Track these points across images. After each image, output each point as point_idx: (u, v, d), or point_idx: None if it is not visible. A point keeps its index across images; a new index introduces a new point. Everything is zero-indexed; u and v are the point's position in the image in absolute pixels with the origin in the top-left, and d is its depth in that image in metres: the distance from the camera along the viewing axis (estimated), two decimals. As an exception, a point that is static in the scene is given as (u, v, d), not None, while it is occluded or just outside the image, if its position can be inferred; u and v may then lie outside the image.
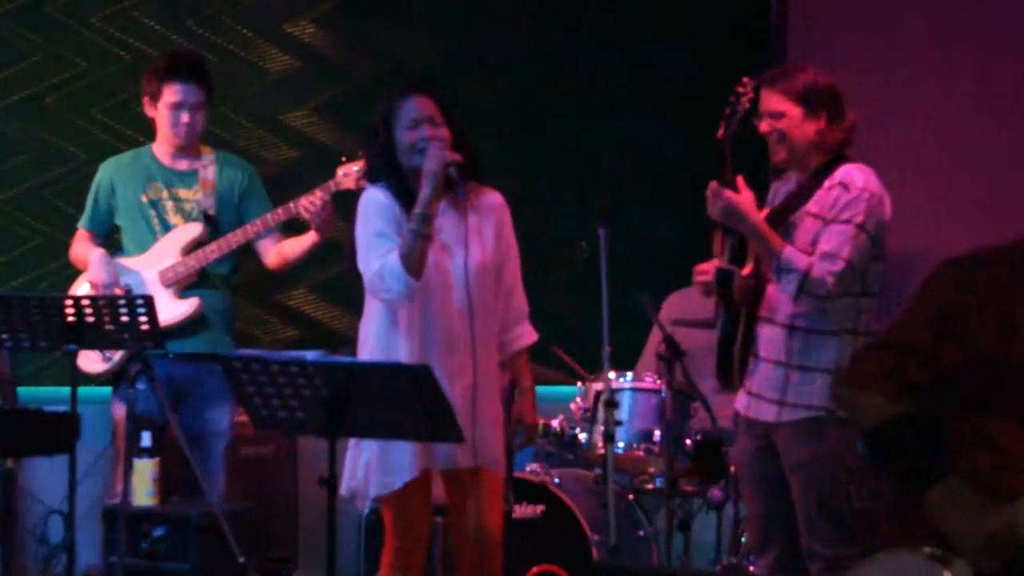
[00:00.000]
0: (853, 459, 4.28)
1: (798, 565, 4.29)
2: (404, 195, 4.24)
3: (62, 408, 4.87)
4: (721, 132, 4.24)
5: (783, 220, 4.25)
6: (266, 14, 6.55)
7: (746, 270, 4.29)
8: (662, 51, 6.96)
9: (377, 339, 4.29)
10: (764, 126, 4.28)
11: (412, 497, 4.26)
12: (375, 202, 4.29)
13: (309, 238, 5.37)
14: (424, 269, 4.16)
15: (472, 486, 4.30)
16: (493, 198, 4.40)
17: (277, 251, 5.43)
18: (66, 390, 4.85)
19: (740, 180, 4.25)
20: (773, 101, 4.26)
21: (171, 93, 5.31)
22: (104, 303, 4.82)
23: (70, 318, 4.77)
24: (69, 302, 4.81)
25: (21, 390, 5.74)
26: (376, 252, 4.21)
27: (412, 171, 4.22)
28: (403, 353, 4.21)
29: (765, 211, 4.31)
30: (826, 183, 4.23)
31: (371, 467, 4.23)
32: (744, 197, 4.22)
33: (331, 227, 5.31)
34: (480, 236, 4.32)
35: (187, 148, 5.41)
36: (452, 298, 4.23)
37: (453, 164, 4.15)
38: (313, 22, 6.62)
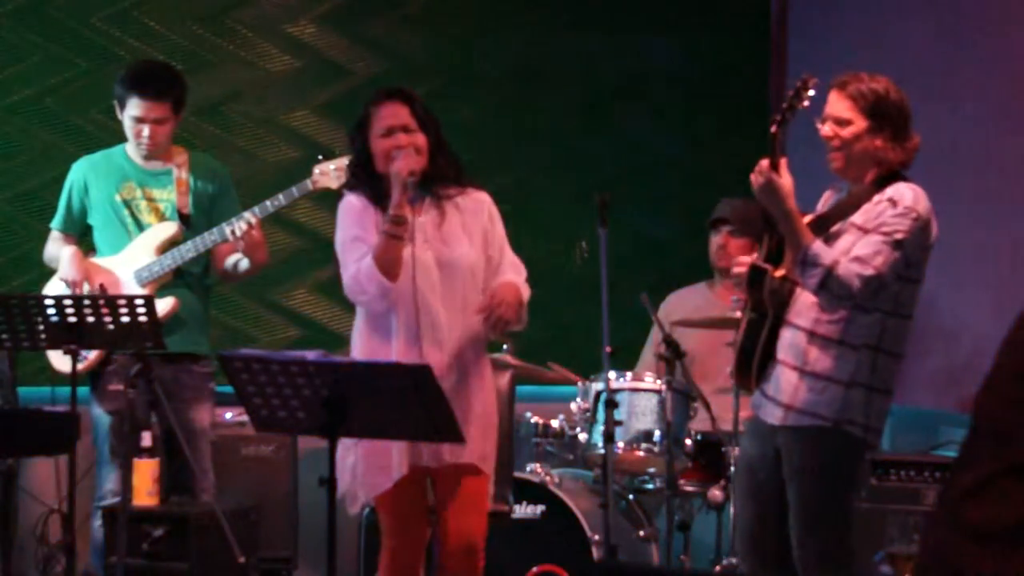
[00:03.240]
0: (853, 472, 4.26)
1: (785, 573, 4.27)
2: (381, 201, 4.27)
3: (62, 408, 4.87)
4: (774, 128, 4.14)
5: (826, 227, 4.18)
6: (266, 14, 6.55)
7: (780, 272, 4.24)
8: (662, 51, 6.96)
9: (364, 339, 4.31)
10: (826, 130, 4.19)
11: (405, 497, 4.25)
12: (351, 208, 4.34)
13: (244, 262, 5.35)
14: (399, 270, 4.18)
15: (456, 485, 4.30)
16: (479, 197, 4.41)
17: (232, 261, 5.39)
18: (66, 390, 4.85)
19: (783, 164, 4.16)
20: (840, 107, 4.17)
21: (133, 107, 5.29)
22: (104, 303, 4.81)
23: (70, 318, 4.77)
24: (69, 302, 4.80)
25: (21, 390, 5.74)
26: (351, 256, 4.25)
27: (387, 177, 4.24)
28: (392, 346, 4.22)
29: (810, 217, 4.25)
30: (876, 197, 4.15)
31: (358, 470, 4.23)
32: (787, 181, 4.14)
33: (261, 254, 5.30)
34: (465, 235, 4.33)
35: (159, 152, 5.39)
36: (436, 296, 4.23)
37: (412, 174, 4.17)
38: (313, 22, 6.62)
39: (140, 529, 5.03)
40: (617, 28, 6.91)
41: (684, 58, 6.97)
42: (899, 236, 4.08)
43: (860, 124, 4.15)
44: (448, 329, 4.25)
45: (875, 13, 6.37)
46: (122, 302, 4.82)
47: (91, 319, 4.78)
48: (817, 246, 4.08)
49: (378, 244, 4.19)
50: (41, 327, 4.81)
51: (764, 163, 4.13)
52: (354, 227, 4.30)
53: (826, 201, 4.37)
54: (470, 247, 4.32)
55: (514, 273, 4.40)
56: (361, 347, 4.31)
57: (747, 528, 4.39)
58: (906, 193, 4.13)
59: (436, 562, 4.44)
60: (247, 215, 5.19)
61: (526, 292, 4.36)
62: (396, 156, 4.22)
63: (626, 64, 6.91)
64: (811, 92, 4.18)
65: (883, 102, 4.16)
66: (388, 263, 4.16)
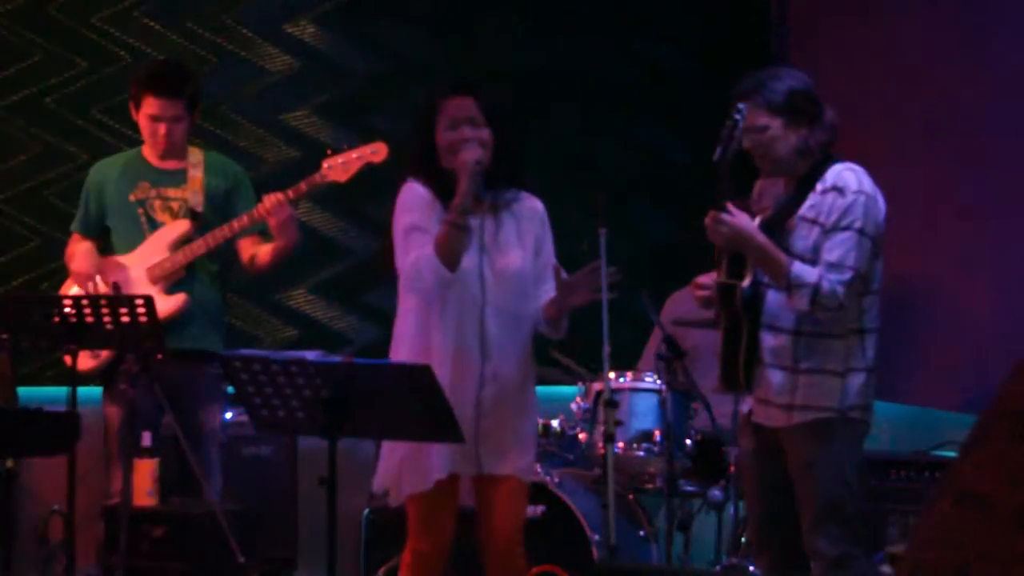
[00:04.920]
0: (858, 456, 4.30)
1: (796, 565, 4.29)
2: (443, 193, 4.22)
3: (62, 408, 4.87)
4: (718, 154, 4.19)
5: (780, 226, 4.22)
6: (266, 14, 6.56)
7: (745, 281, 4.27)
8: (663, 51, 6.96)
9: (413, 336, 4.25)
10: (747, 142, 4.23)
11: (440, 500, 4.23)
12: (414, 195, 4.27)
13: (271, 244, 5.36)
14: (459, 262, 4.14)
15: (495, 492, 4.29)
16: (534, 205, 4.39)
17: (251, 253, 5.43)
18: (66, 390, 4.85)
19: (731, 207, 4.21)
20: (753, 116, 4.20)
21: (149, 105, 5.33)
22: (104, 303, 4.82)
23: (70, 318, 4.77)
24: (69, 302, 4.80)
25: (21, 390, 5.74)
26: (413, 244, 4.19)
27: (451, 171, 4.20)
28: (437, 352, 4.18)
29: (756, 219, 4.29)
30: (819, 186, 4.19)
31: (405, 465, 4.21)
32: (745, 220, 4.19)
33: (293, 232, 5.30)
34: (518, 241, 4.30)
35: (176, 151, 5.42)
36: (487, 300, 4.21)
37: (478, 163, 4.13)
38: (313, 22, 6.62)
39: (140, 529, 5.03)
40: (618, 29, 6.92)
41: (684, 59, 6.97)
42: (858, 224, 4.13)
43: (776, 125, 4.20)
44: (495, 337, 4.22)
45: (875, 14, 6.37)
46: (122, 302, 4.82)
47: (91, 319, 4.78)
48: (797, 268, 4.12)
49: (441, 233, 4.13)
50: (41, 327, 4.81)
51: (713, 215, 4.18)
52: (416, 215, 4.23)
53: (759, 192, 4.40)
54: (523, 256, 4.29)
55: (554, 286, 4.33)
56: (411, 342, 4.25)
57: (759, 522, 4.40)
58: (848, 177, 4.17)
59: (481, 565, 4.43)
60: (275, 194, 5.21)
61: None
62: (461, 148, 4.18)
63: (626, 65, 6.92)
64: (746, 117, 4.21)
65: (791, 96, 4.20)
66: (450, 253, 4.11)
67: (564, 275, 4.23)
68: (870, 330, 4.23)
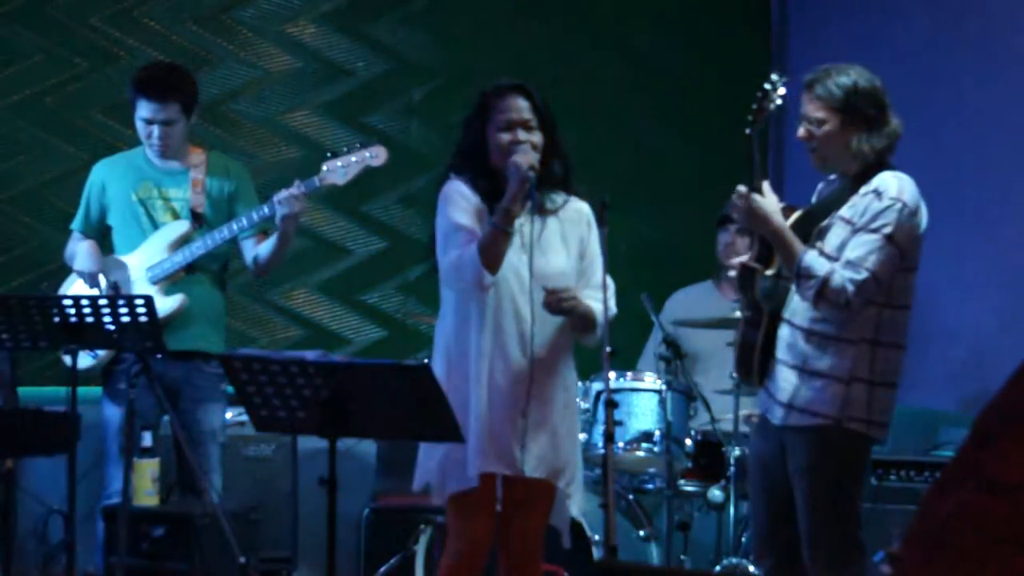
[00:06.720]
0: (858, 468, 4.25)
1: (799, 568, 4.27)
2: (487, 192, 4.21)
3: (62, 408, 4.87)
4: (749, 131, 4.15)
5: (816, 222, 4.17)
6: (266, 14, 6.56)
7: (770, 270, 4.23)
8: (663, 50, 6.96)
9: (452, 336, 4.24)
10: (802, 131, 4.18)
11: (480, 498, 4.22)
12: (457, 193, 4.25)
13: (272, 239, 5.34)
14: (500, 264, 4.13)
15: (526, 494, 4.27)
16: (580, 208, 4.37)
17: (254, 253, 5.42)
18: (66, 390, 4.85)
19: (766, 185, 4.17)
20: (812, 108, 4.15)
21: (141, 109, 5.32)
22: (104, 303, 4.81)
23: (70, 318, 4.77)
24: (69, 302, 4.80)
25: (21, 390, 5.74)
26: (454, 242, 4.18)
27: (500, 170, 4.19)
28: (476, 350, 4.17)
29: (799, 213, 4.24)
30: (862, 188, 4.13)
31: (449, 462, 4.19)
32: (768, 201, 4.15)
33: (294, 225, 5.28)
34: (563, 243, 4.28)
35: (173, 152, 5.41)
36: (526, 300, 4.19)
37: (532, 170, 4.11)
38: (313, 22, 6.62)
39: (140, 529, 5.03)
40: (618, 28, 6.92)
41: (684, 58, 6.97)
42: (888, 230, 4.05)
43: (834, 122, 4.13)
44: (535, 338, 4.19)
45: (876, 12, 6.38)
46: (122, 302, 4.82)
47: (91, 319, 4.78)
48: (810, 257, 4.08)
49: (485, 235, 4.12)
50: (41, 327, 4.81)
51: (742, 188, 4.14)
52: (458, 213, 4.21)
53: (819, 193, 4.36)
54: (567, 258, 4.27)
55: (595, 292, 4.26)
56: (449, 341, 4.25)
57: (762, 525, 4.37)
58: (891, 183, 4.10)
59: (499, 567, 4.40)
60: (292, 188, 5.18)
61: (600, 313, 4.24)
62: (515, 150, 4.16)
63: (627, 63, 6.92)
64: (781, 91, 4.18)
65: (853, 95, 4.11)
66: (492, 256, 4.10)
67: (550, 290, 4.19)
68: (886, 344, 4.14)
